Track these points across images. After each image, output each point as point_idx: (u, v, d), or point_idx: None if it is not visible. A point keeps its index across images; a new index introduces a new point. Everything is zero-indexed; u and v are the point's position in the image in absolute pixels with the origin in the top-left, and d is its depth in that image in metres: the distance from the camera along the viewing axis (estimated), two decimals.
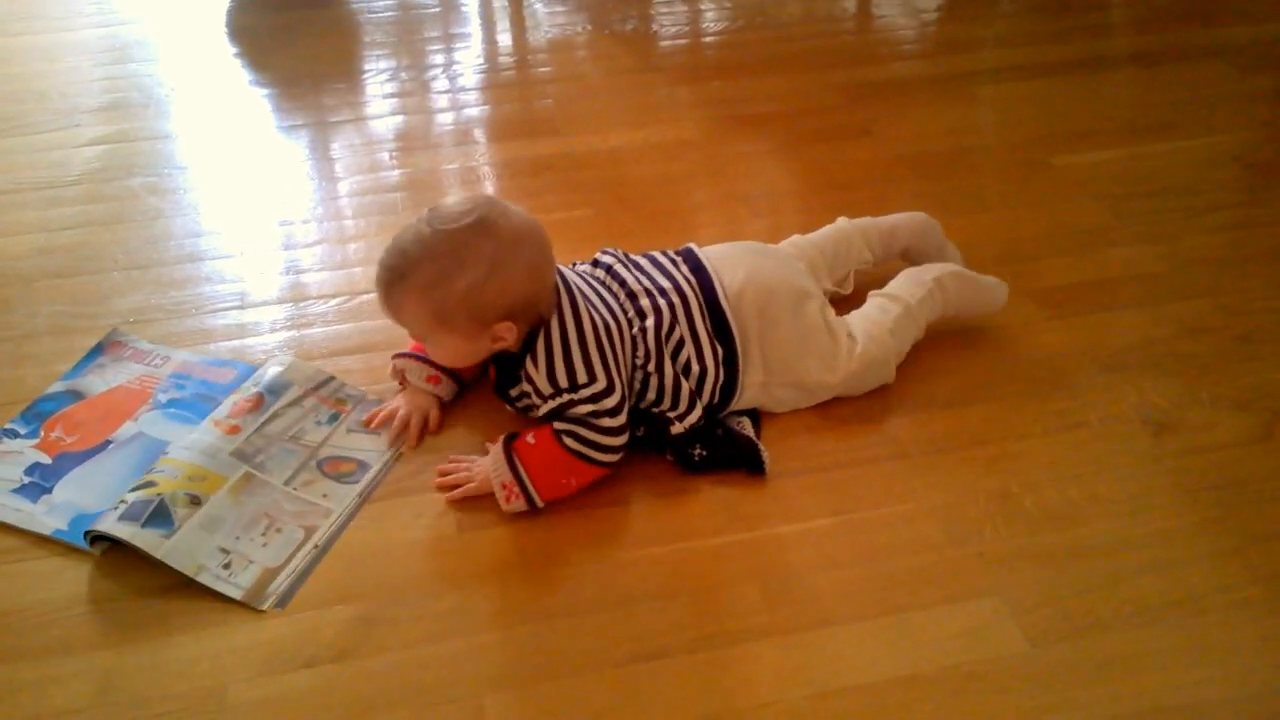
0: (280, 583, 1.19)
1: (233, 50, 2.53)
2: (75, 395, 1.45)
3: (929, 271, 1.45)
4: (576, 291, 1.29)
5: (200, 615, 1.15)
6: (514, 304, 1.23)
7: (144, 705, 1.06)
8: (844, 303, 1.53)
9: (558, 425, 1.25)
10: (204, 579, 1.18)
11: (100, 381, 1.47)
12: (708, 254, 1.41)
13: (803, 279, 1.42)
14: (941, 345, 1.47)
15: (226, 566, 1.20)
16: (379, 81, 2.34)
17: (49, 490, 1.30)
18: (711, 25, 2.57)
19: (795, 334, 1.36)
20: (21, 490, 1.30)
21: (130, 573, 1.20)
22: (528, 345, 1.27)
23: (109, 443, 1.37)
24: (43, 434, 1.38)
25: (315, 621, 1.14)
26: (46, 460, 1.34)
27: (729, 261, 1.40)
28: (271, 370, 1.44)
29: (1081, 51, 2.34)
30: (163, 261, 1.74)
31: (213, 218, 1.86)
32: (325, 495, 1.30)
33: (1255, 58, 2.28)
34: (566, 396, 1.25)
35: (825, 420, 1.37)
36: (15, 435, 1.38)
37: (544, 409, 1.27)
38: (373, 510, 1.28)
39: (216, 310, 1.62)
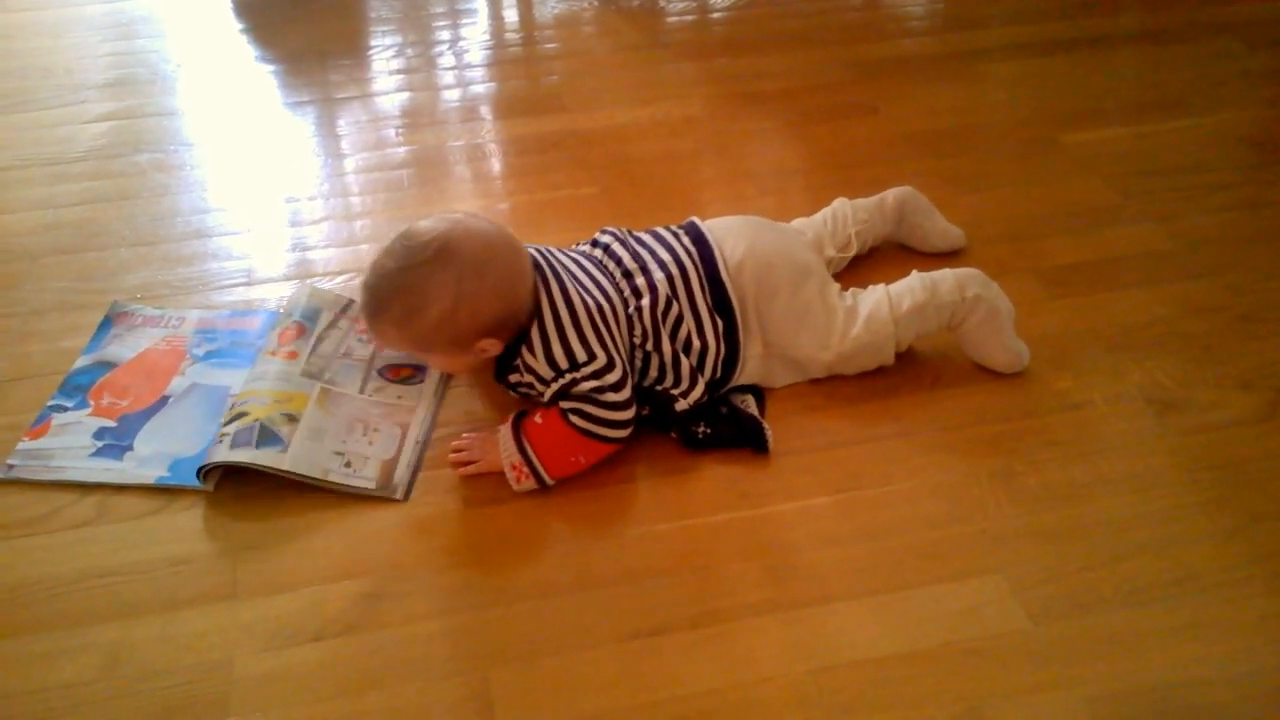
0: (401, 474, 1.29)
1: (239, 26, 2.52)
2: (106, 365, 1.46)
3: (973, 288, 1.37)
4: (565, 276, 1.29)
5: (208, 589, 1.16)
6: (488, 324, 1.24)
7: (152, 678, 1.08)
8: (854, 264, 1.57)
9: (564, 404, 1.26)
10: (334, 478, 1.27)
11: (124, 349, 1.49)
12: (711, 226, 1.41)
13: (805, 254, 1.43)
14: None
15: (348, 465, 1.29)
16: (385, 58, 2.34)
17: (130, 447, 1.33)
18: (719, 1, 2.56)
19: (792, 307, 1.36)
20: (101, 453, 1.33)
21: (139, 547, 1.21)
22: (522, 338, 1.27)
23: (166, 398, 1.41)
24: (92, 403, 1.40)
25: (321, 596, 1.15)
26: (111, 424, 1.37)
27: (732, 233, 1.40)
28: (300, 301, 1.49)
29: (1089, 29, 2.32)
30: (169, 238, 1.74)
31: (219, 194, 1.86)
32: (400, 396, 1.40)
33: (1264, 35, 2.26)
34: (569, 376, 1.25)
35: (829, 399, 1.37)
36: (64, 409, 1.39)
37: (549, 393, 1.27)
38: None
39: (223, 287, 1.62)
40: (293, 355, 1.40)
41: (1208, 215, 1.70)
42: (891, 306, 1.37)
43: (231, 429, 1.29)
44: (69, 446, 1.34)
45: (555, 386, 1.26)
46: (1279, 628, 1.09)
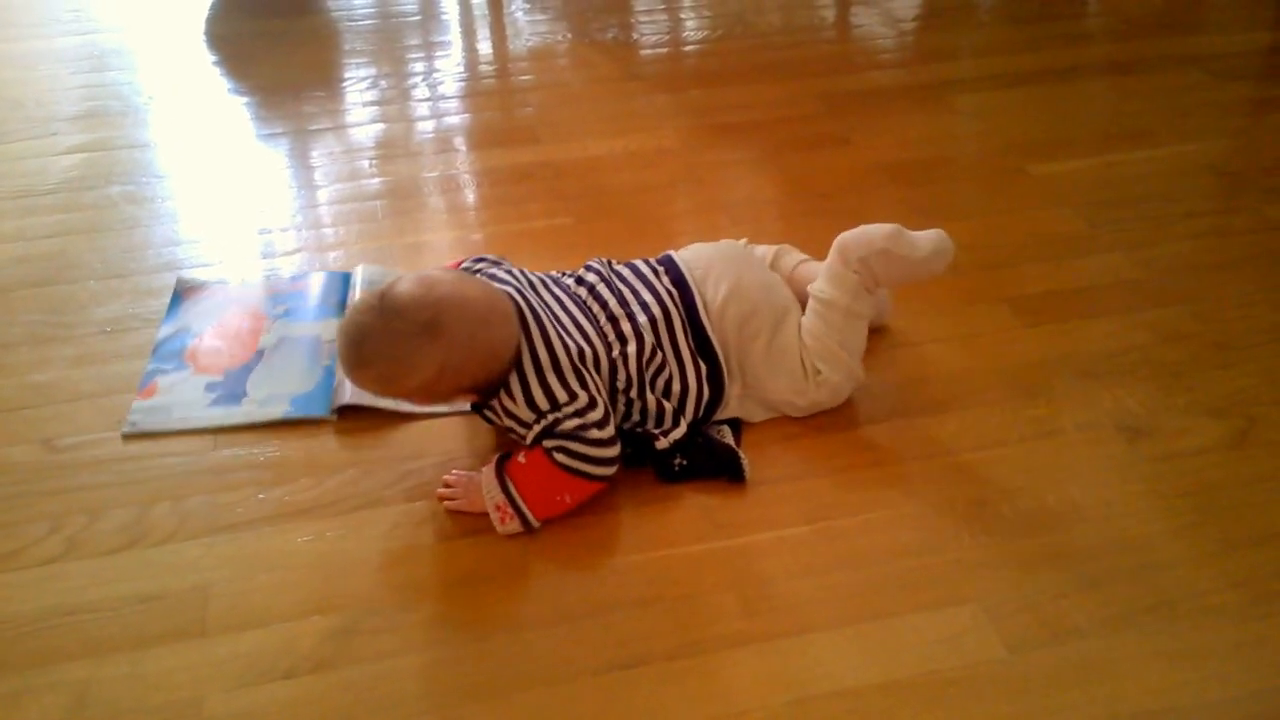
0: None
1: (212, 58, 2.53)
2: (189, 332, 1.57)
3: (855, 252, 1.31)
4: (546, 320, 1.28)
5: (178, 626, 1.15)
6: (470, 385, 1.25)
7: (121, 718, 1.06)
8: None
9: (547, 443, 1.24)
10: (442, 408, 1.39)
11: (202, 317, 1.60)
12: (687, 261, 1.41)
13: (783, 291, 1.42)
14: (918, 352, 1.49)
15: None
16: (359, 89, 2.34)
17: (244, 394, 1.45)
18: (692, 34, 2.58)
19: (770, 352, 1.36)
20: (219, 402, 1.45)
21: (107, 583, 1.20)
22: (501, 382, 1.26)
23: (261, 352, 1.53)
24: (191, 365, 1.51)
25: (293, 633, 1.14)
26: (218, 378, 1.48)
27: (712, 273, 1.39)
28: (376, 276, 1.61)
29: (1058, 60, 2.35)
30: (140, 270, 1.73)
31: (191, 227, 1.86)
32: None
33: (1230, 66, 2.30)
34: (551, 416, 1.24)
35: (804, 429, 1.37)
36: (165, 372, 1.49)
37: (531, 435, 1.25)
38: (351, 520, 1.27)
39: None
40: None
41: (1176, 244, 1.72)
42: (826, 337, 1.34)
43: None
44: (184, 400, 1.45)
45: (538, 428, 1.24)
46: (1255, 654, 1.09)
